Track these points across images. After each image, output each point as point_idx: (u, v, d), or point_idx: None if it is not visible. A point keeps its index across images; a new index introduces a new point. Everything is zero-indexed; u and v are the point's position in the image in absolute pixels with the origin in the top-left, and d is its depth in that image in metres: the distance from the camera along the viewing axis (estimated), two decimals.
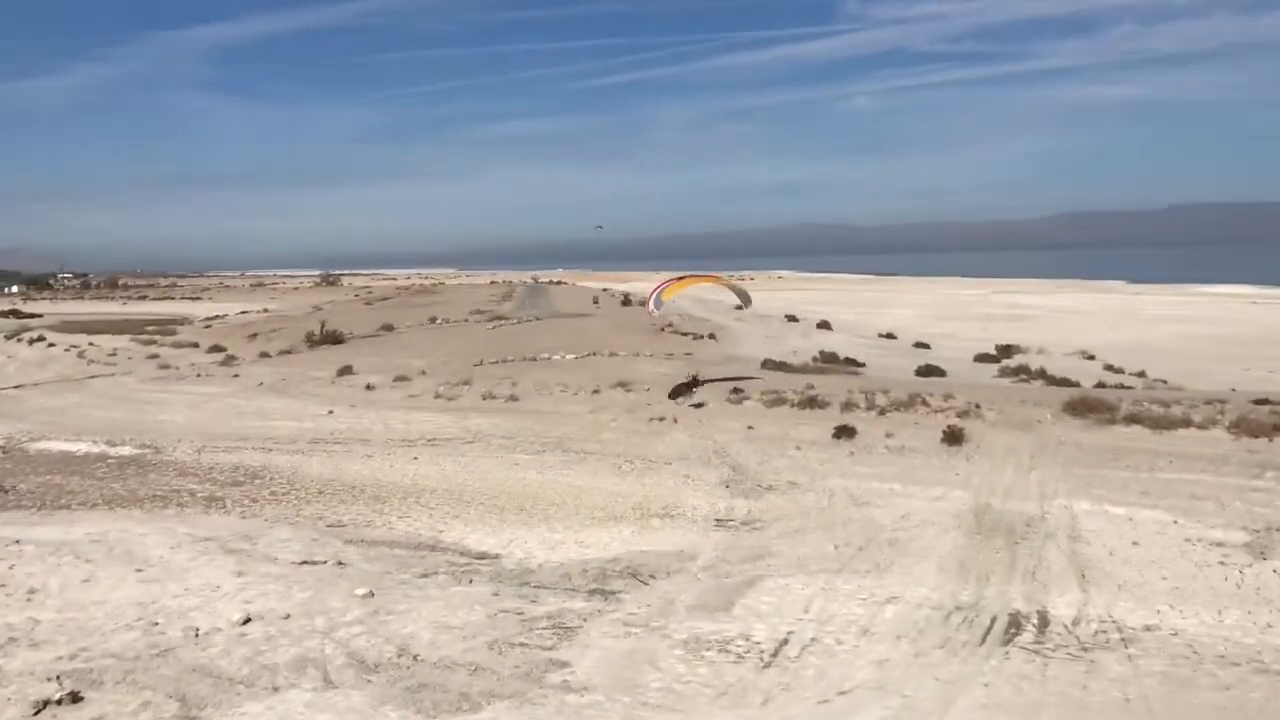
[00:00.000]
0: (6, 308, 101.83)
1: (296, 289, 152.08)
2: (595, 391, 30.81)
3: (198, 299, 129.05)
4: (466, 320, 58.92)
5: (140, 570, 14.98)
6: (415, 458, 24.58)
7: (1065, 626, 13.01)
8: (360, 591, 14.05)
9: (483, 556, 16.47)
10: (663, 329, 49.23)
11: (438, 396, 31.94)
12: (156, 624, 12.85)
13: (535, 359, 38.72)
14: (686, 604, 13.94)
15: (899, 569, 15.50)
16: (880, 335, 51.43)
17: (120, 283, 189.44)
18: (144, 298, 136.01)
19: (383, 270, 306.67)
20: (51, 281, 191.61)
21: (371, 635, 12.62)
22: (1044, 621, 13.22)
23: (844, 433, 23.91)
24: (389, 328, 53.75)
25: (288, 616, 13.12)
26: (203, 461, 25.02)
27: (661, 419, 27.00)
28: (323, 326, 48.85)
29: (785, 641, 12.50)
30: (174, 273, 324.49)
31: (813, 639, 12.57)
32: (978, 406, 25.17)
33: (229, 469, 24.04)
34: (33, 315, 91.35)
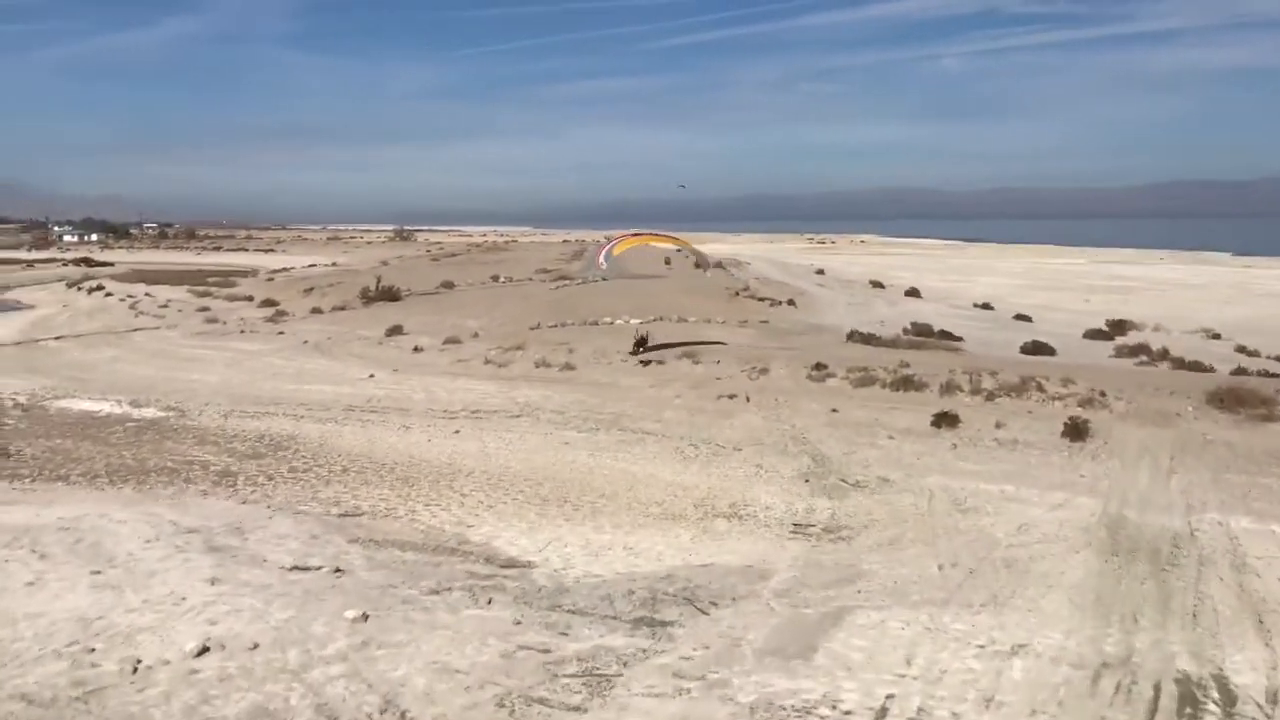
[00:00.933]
0: (80, 256, 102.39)
1: (369, 243, 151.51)
2: (660, 362, 27.90)
3: (271, 251, 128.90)
4: (530, 279, 56.36)
5: (99, 572, 12.51)
6: (456, 431, 22.00)
7: (1259, 705, 9.80)
8: (352, 614, 11.38)
9: (511, 564, 13.71)
10: (738, 293, 46.10)
11: (488, 362, 29.33)
12: (93, 650, 10.33)
13: (597, 323, 35.94)
14: (755, 646, 11.01)
15: (1022, 603, 12.37)
16: (975, 305, 47.59)
17: (198, 233, 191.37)
18: (218, 248, 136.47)
19: (459, 227, 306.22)
20: (132, 231, 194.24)
21: (352, 679, 9.93)
22: (1227, 695, 10.01)
23: (945, 420, 20.65)
24: (449, 285, 51.39)
25: (255, 646, 10.49)
26: (227, 428, 22.77)
27: (732, 396, 24.00)
28: (378, 282, 46.63)
29: (884, 712, 9.52)
30: (256, 225, 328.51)
31: (920, 710, 9.57)
32: (1102, 394, 21.69)
33: (253, 438, 21.74)
34: (104, 264, 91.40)
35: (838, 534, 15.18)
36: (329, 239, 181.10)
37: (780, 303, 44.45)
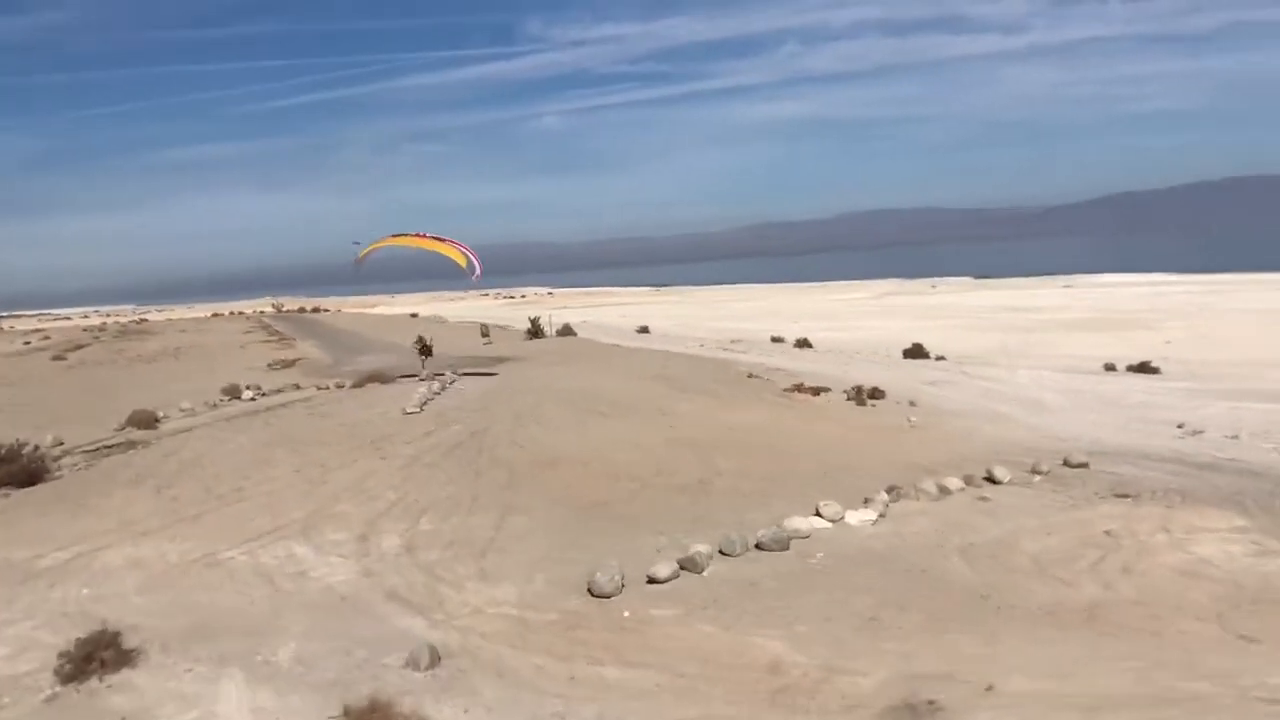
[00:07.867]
0: None
1: None
2: None
3: None
4: (314, 387, 30.72)
5: None
6: None
7: None
8: None
9: None
10: (791, 389, 24.73)
11: None
12: None
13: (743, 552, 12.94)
14: None
15: None
16: (1112, 368, 29.81)
17: None
18: None
19: (51, 310, 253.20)
20: None
21: None
22: None
23: None
24: (147, 424, 24.48)
25: None
26: None
27: None
28: None
29: None
30: None
31: None
32: None
33: None
34: None
35: None
36: None
37: (878, 396, 23.65)
